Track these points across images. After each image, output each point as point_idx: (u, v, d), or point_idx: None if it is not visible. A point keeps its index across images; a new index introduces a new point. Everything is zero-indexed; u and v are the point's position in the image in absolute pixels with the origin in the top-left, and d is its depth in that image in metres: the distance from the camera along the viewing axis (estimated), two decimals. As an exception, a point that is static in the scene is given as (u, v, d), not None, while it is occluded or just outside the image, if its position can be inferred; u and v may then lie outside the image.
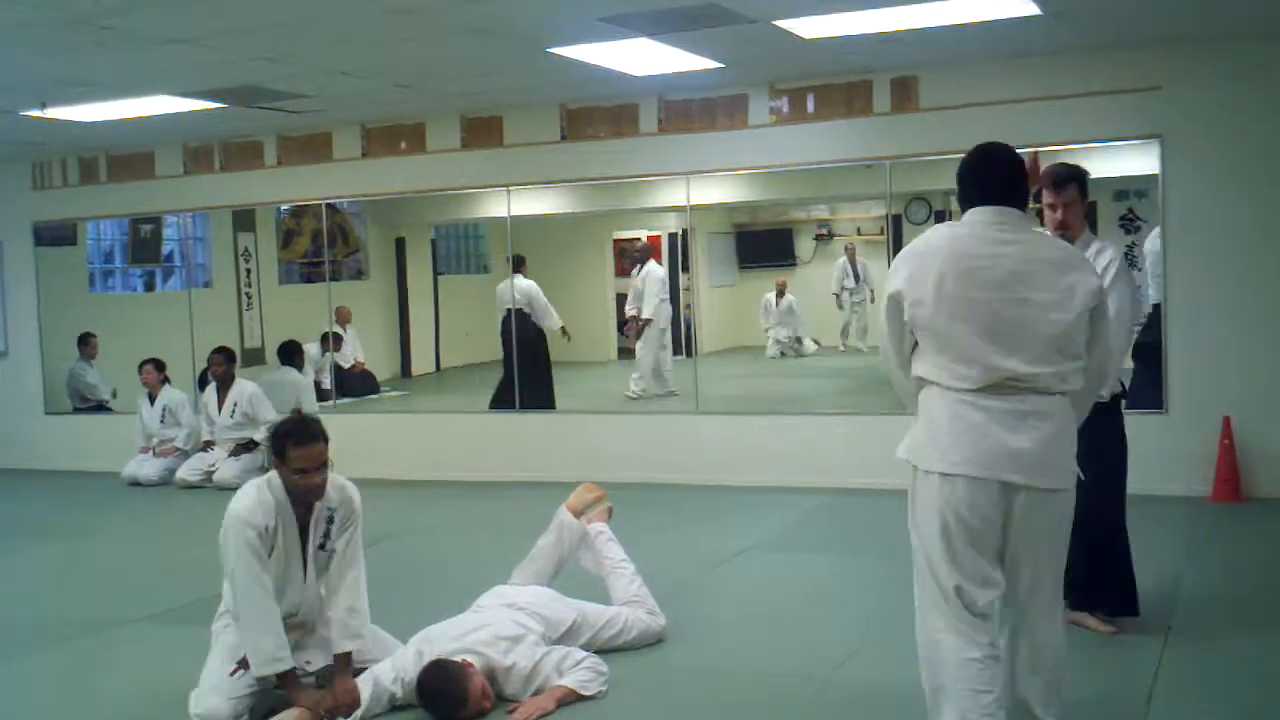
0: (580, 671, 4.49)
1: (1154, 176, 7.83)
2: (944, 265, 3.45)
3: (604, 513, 5.55)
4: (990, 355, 3.41)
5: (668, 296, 11.83)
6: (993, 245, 3.46)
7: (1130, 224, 10.47)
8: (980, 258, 3.45)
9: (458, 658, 4.38)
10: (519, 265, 10.80)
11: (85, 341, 11.52)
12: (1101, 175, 9.28)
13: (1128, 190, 10.26)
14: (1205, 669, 4.60)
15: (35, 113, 8.55)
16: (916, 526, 3.67)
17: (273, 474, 4.42)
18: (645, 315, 11.57)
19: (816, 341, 13.80)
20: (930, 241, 3.57)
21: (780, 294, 13.92)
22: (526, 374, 10.26)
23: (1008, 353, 3.40)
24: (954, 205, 13.42)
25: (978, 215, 3.54)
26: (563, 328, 11.12)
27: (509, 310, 10.54)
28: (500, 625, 4.59)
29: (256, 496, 4.37)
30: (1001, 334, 3.40)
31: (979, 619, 3.52)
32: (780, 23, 6.72)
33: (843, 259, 13.85)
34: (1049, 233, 4.77)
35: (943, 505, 3.50)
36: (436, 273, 14.29)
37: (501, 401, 10.22)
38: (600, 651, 4.79)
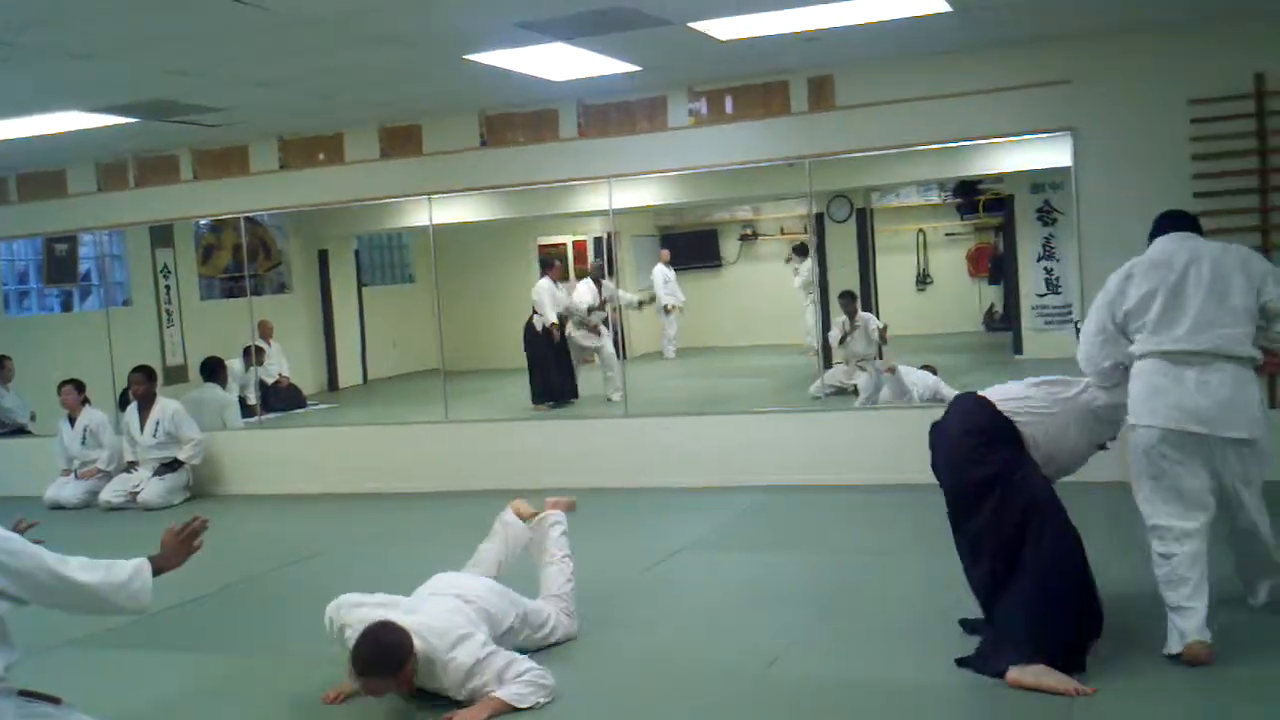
0: (519, 685, 4.43)
1: (1068, 169, 7.95)
2: None
3: (567, 504, 5.60)
4: None
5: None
6: None
7: (1047, 216, 10.67)
8: None
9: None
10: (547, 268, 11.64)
11: (0, 365, 11.27)
12: (1018, 169, 9.52)
13: (1043, 183, 10.46)
14: (1140, 649, 4.67)
15: (-60, 132, 8.37)
16: None
17: None
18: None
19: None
20: None
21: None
22: (555, 370, 10.60)
23: None
24: (875, 203, 13.62)
25: None
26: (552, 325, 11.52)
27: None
28: (452, 618, 4.53)
29: None
30: None
31: None
32: (695, 25, 6.74)
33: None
34: None
35: None
36: (361, 284, 14.19)
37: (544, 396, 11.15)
38: (521, 650, 4.78)
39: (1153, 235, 4.87)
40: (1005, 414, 4.66)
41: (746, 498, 8.17)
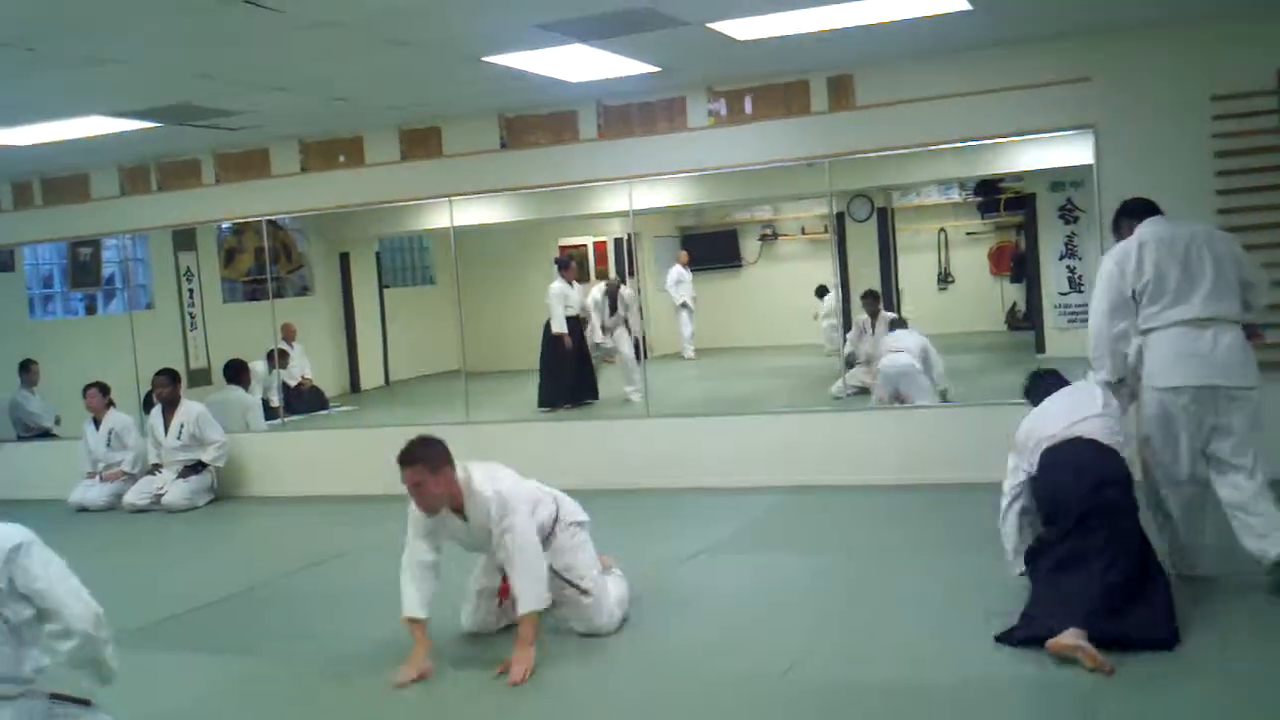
0: (532, 581, 4.99)
1: (1089, 167, 7.91)
2: None
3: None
4: None
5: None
6: None
7: (1069, 214, 10.61)
8: None
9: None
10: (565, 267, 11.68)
11: (26, 369, 11.35)
12: (1039, 167, 9.47)
13: (1065, 181, 10.41)
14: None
15: (-35, 138, 8.44)
16: None
17: None
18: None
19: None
20: None
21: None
22: (572, 372, 10.90)
23: None
24: (896, 202, 13.58)
25: None
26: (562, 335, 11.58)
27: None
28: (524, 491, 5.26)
29: None
30: None
31: None
32: (714, 25, 6.74)
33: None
34: None
35: None
36: (382, 286, 14.23)
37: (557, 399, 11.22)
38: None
39: (1124, 220, 5.60)
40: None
41: (766, 499, 8.16)
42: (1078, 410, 5.23)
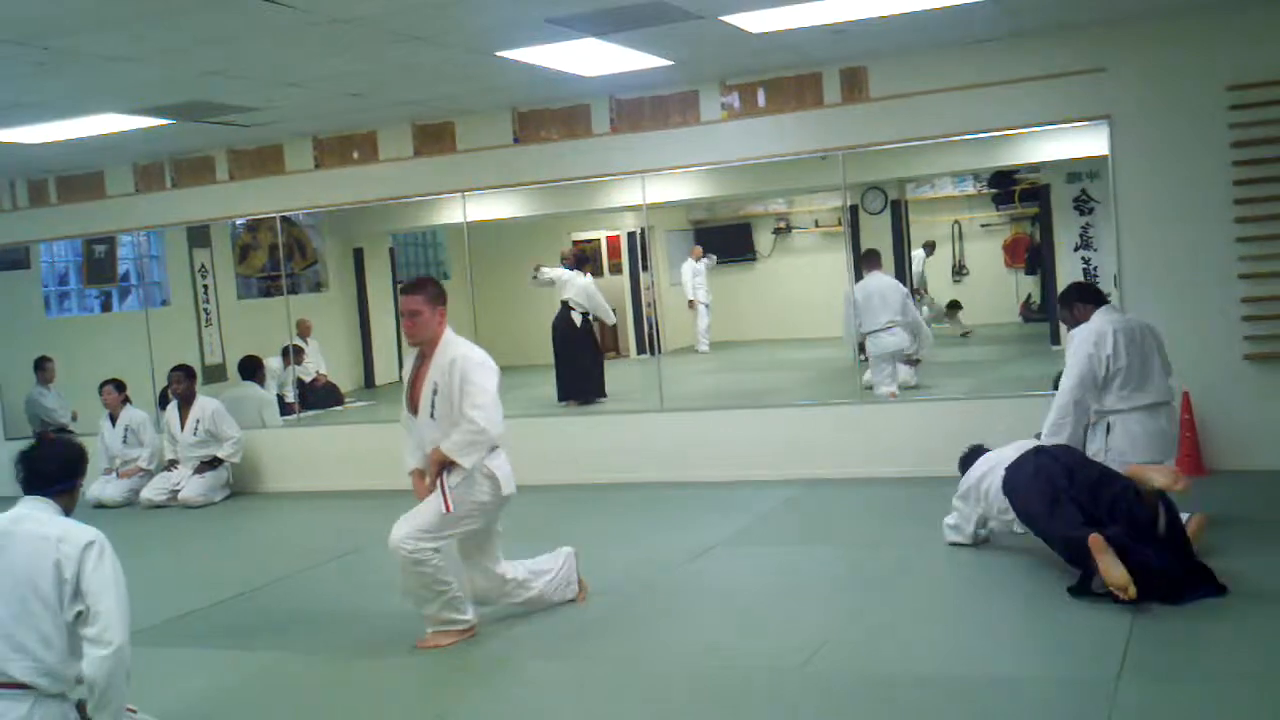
0: (462, 435, 5.22)
1: (1104, 158, 7.87)
2: None
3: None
4: None
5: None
6: None
7: (1084, 205, 10.56)
8: None
9: None
10: (581, 263, 11.72)
11: (42, 366, 11.38)
12: (1054, 158, 9.44)
13: (1080, 172, 10.36)
14: (1174, 643, 4.64)
15: (-19, 136, 8.47)
16: None
17: None
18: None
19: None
20: None
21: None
22: (583, 367, 10.96)
23: None
24: (910, 194, 13.55)
25: None
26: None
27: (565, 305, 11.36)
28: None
29: None
30: None
31: None
32: (726, 18, 6.73)
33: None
34: None
35: None
36: (396, 281, 14.23)
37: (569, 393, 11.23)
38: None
39: (1078, 304, 6.23)
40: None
41: (781, 492, 8.15)
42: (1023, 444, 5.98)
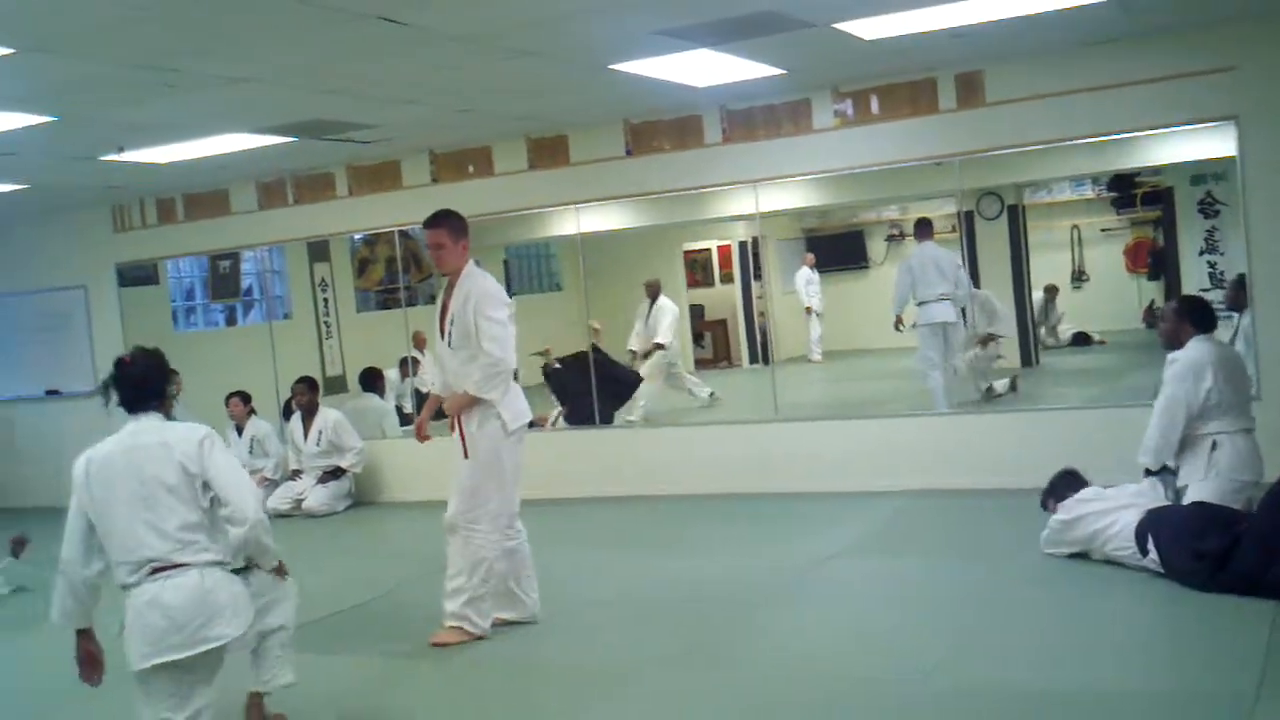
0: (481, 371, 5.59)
1: (1232, 159, 7.65)
2: None
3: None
4: None
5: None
6: None
7: (1209, 208, 10.27)
8: None
9: None
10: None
11: (170, 380, 11.71)
12: (1178, 160, 9.19)
13: (1205, 174, 10.08)
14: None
15: (113, 157, 8.75)
16: None
17: None
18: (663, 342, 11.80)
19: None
20: None
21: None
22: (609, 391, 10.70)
23: None
24: (1027, 199, 13.34)
25: None
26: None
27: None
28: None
29: None
30: None
31: None
32: (840, 25, 6.69)
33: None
34: None
35: None
36: (510, 293, 14.36)
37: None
38: None
39: (1187, 323, 6.33)
40: None
41: (892, 502, 8.07)
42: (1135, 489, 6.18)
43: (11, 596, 7.81)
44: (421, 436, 5.94)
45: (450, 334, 5.68)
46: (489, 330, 5.55)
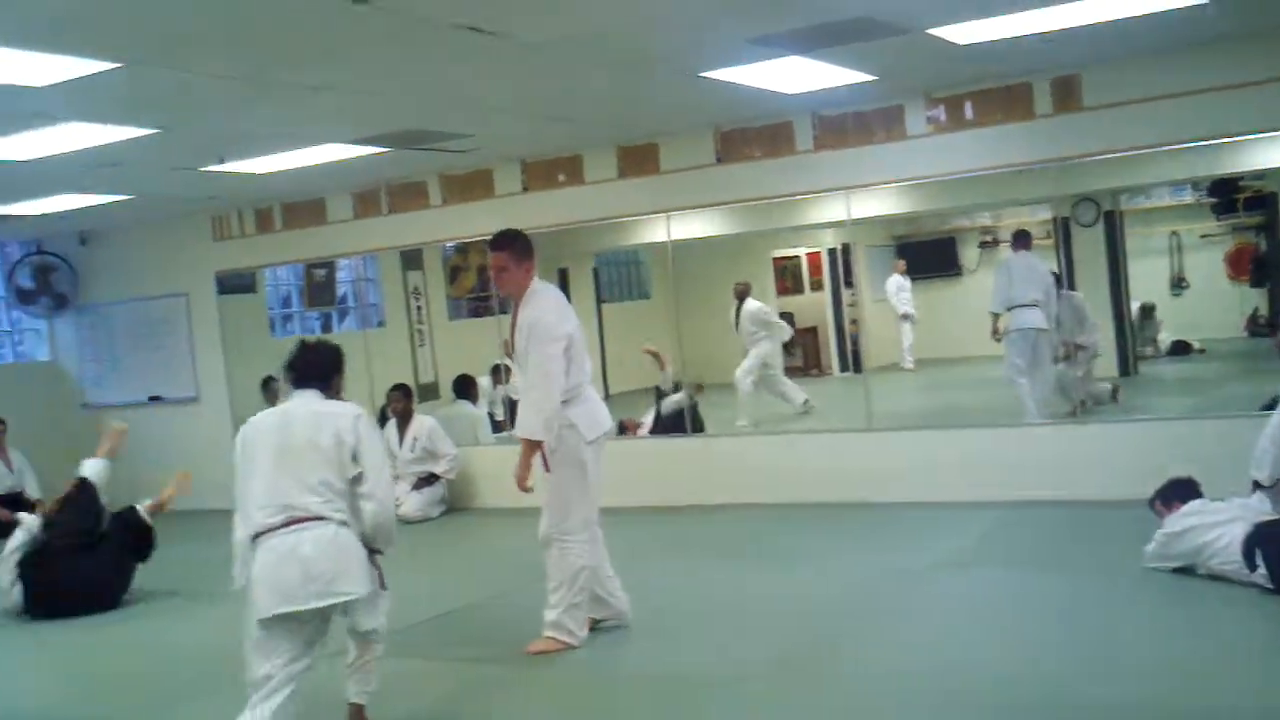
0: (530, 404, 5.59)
1: (1339, 163, 7.46)
2: None
3: None
4: None
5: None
6: None
7: (1316, 214, 10.01)
8: None
9: None
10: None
11: (268, 386, 11.93)
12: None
13: (1311, 179, 9.82)
14: None
15: (214, 167, 8.96)
16: None
17: None
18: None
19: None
20: None
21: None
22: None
23: None
24: (1124, 205, 13.10)
25: None
26: None
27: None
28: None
29: None
30: None
31: None
32: (934, 31, 6.63)
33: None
34: None
35: None
36: (600, 301, 14.44)
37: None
38: None
39: None
40: None
41: (990, 514, 7.96)
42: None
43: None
44: (524, 488, 5.65)
45: (517, 352, 5.72)
46: (539, 365, 5.53)
